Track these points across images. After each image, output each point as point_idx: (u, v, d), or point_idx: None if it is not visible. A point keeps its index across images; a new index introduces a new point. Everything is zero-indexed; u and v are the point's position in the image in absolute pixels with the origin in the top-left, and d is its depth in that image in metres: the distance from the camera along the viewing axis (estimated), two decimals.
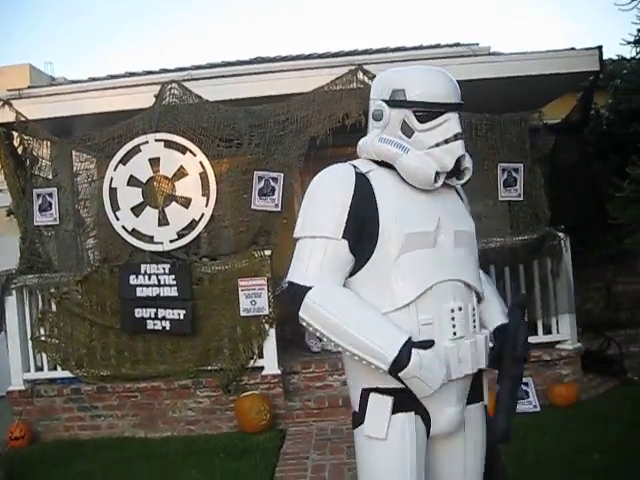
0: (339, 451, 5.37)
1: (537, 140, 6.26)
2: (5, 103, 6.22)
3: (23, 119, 6.23)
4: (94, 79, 7.00)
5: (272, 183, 6.04)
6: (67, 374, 6.32)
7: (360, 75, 5.99)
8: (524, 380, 5.97)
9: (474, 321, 2.25)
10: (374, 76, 5.95)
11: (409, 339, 2.06)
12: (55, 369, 6.39)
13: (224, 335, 6.20)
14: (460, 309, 2.19)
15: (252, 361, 6.19)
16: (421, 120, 2.17)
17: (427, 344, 2.08)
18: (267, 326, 6.13)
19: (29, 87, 7.02)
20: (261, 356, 6.20)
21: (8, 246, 6.84)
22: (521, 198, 6.18)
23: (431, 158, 2.16)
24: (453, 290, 2.20)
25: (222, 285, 6.16)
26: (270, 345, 6.19)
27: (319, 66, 6.32)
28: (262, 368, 6.22)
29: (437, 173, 2.17)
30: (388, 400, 2.14)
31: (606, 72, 7.10)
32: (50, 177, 6.60)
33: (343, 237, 2.13)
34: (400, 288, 2.13)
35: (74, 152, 6.50)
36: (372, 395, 2.18)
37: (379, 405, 2.17)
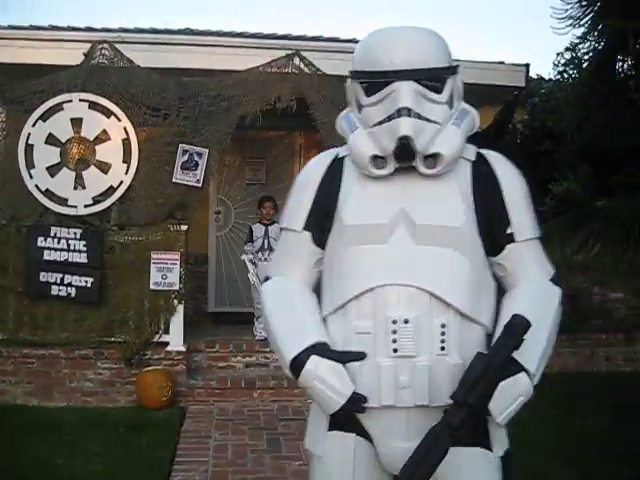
0: (241, 432, 5.39)
1: None
2: None
3: None
4: (14, 27, 6.63)
5: (196, 158, 5.97)
6: None
7: (296, 60, 6.01)
8: None
9: (442, 341, 1.77)
10: (310, 63, 6.01)
11: (316, 344, 1.76)
12: None
13: (131, 307, 6.10)
14: (406, 321, 1.76)
15: (157, 336, 6.11)
16: (367, 92, 1.85)
17: (352, 356, 1.77)
18: (176, 302, 6.09)
19: None
20: (167, 332, 6.13)
21: None
22: None
23: (371, 139, 1.82)
24: (400, 297, 1.78)
25: (134, 256, 6.05)
26: (177, 321, 6.14)
27: (254, 46, 6.27)
28: (167, 344, 6.15)
29: (377, 157, 1.81)
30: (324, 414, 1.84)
31: (526, 89, 7.43)
32: None
33: (305, 229, 1.94)
34: (338, 287, 1.85)
35: None
36: (312, 404, 1.91)
37: (316, 417, 1.90)
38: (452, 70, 1.89)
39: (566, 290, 1.94)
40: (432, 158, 1.81)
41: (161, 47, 6.33)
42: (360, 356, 1.76)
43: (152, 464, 4.65)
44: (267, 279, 2.03)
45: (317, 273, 1.97)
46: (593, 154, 5.11)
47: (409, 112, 1.77)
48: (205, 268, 8.02)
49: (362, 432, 1.82)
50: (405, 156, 1.80)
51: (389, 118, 1.78)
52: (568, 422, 5.37)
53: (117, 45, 5.95)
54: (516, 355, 1.67)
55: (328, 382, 1.72)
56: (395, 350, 1.75)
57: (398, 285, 1.78)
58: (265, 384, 6.18)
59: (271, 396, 6.14)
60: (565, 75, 6.94)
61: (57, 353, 5.98)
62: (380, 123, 1.80)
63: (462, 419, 1.63)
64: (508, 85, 6.31)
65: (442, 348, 1.76)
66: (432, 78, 1.83)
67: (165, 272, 5.97)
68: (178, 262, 5.99)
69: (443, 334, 1.77)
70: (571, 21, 4.62)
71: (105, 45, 5.88)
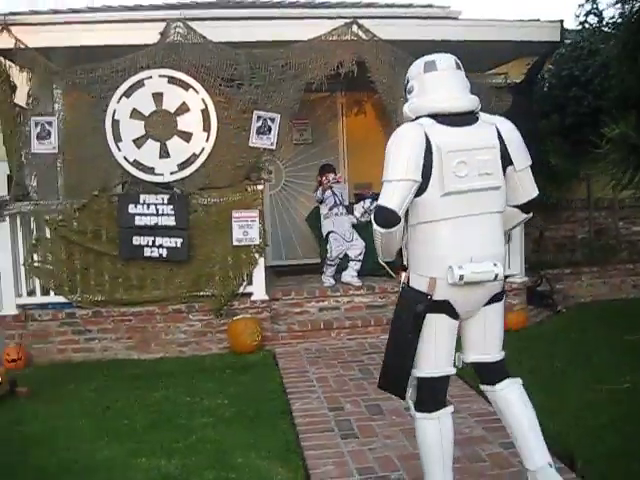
0: (333, 366, 6.01)
1: (499, 98, 7.05)
2: (4, 28, 6.25)
3: (22, 46, 6.27)
4: (93, 9, 6.97)
5: (269, 123, 6.49)
6: (60, 299, 6.52)
7: (355, 28, 6.51)
8: None
9: None
10: (367, 30, 6.52)
11: None
12: (48, 294, 6.56)
13: (216, 263, 6.63)
14: None
15: (242, 287, 6.68)
16: None
17: None
18: (257, 255, 6.64)
19: (12, 13, 6.90)
20: (250, 283, 6.70)
21: None
22: None
23: None
24: None
25: (216, 216, 6.58)
26: (259, 273, 6.71)
27: (316, 16, 6.75)
28: (251, 294, 6.73)
29: None
30: None
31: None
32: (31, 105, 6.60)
33: None
34: None
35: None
36: None
37: None
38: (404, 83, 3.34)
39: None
40: None
41: (229, 22, 6.75)
42: None
43: (269, 395, 5.24)
44: None
45: None
46: (635, 101, 5.75)
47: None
48: None
49: None
50: None
51: None
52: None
53: (189, 22, 6.39)
54: None
55: None
56: None
57: None
58: (341, 324, 6.83)
59: (347, 335, 6.79)
60: (586, 25, 7.52)
61: (152, 309, 6.54)
62: None
63: None
64: (545, 41, 6.87)
65: None
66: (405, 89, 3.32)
67: (246, 228, 6.53)
68: (257, 219, 6.55)
69: None
70: None
71: (179, 23, 6.30)
